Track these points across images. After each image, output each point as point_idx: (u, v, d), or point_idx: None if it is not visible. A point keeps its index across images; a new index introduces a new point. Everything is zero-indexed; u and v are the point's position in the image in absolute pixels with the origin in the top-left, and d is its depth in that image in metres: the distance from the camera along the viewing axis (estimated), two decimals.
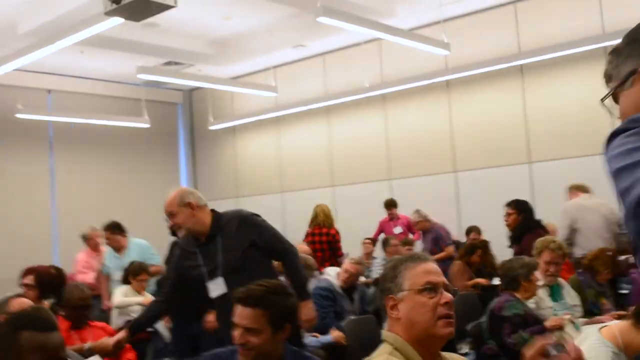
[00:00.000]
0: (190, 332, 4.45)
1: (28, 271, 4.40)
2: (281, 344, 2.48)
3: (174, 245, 5.16)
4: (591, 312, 4.57)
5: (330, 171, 11.21)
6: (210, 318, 4.51)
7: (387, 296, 1.89)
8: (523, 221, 5.93)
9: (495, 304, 3.59)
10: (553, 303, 4.27)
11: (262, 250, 3.55)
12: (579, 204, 6.41)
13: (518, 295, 3.75)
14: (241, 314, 2.40)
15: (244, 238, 3.52)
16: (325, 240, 7.63)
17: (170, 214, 3.60)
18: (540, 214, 6.64)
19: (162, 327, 5.17)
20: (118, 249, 6.77)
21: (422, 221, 8.84)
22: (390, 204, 9.36)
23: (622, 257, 6.00)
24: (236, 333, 2.39)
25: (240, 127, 12.35)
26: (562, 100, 8.73)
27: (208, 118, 12.22)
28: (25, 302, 3.35)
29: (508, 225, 6.10)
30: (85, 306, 4.17)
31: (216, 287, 3.50)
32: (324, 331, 4.75)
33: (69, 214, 10.98)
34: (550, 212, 7.12)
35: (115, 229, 6.77)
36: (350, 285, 5.64)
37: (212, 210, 3.66)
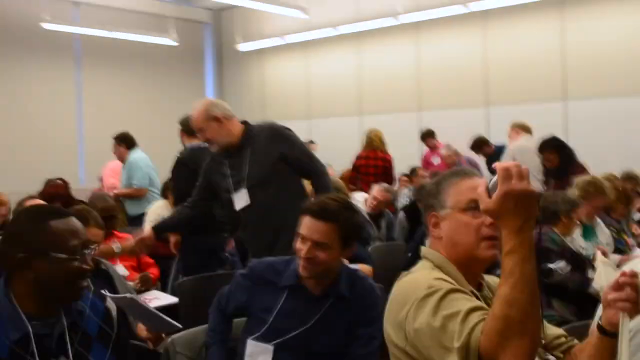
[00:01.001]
0: (204, 246, 4.33)
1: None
2: (340, 262, 2.39)
3: (178, 163, 4.79)
4: (618, 250, 4.43)
5: (359, 100, 10.98)
6: (174, 240, 4.42)
7: (429, 213, 1.75)
8: (564, 159, 5.86)
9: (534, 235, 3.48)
10: (585, 243, 4.13)
11: (292, 165, 3.42)
12: (522, 145, 6.50)
13: (556, 230, 3.64)
14: (313, 227, 2.27)
15: (274, 151, 3.38)
16: (380, 165, 7.47)
17: (199, 130, 3.46)
18: None
19: None
20: (121, 160, 6.84)
21: (450, 155, 8.71)
22: (427, 135, 9.22)
23: None
24: (303, 246, 2.27)
25: (269, 50, 12.10)
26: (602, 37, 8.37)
27: (236, 39, 11.96)
28: (39, 202, 3.43)
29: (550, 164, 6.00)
30: (109, 217, 4.11)
31: (240, 199, 3.40)
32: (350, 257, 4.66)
33: (94, 128, 10.93)
34: None
35: (118, 140, 6.81)
36: (377, 213, 5.54)
37: (243, 122, 3.53)
